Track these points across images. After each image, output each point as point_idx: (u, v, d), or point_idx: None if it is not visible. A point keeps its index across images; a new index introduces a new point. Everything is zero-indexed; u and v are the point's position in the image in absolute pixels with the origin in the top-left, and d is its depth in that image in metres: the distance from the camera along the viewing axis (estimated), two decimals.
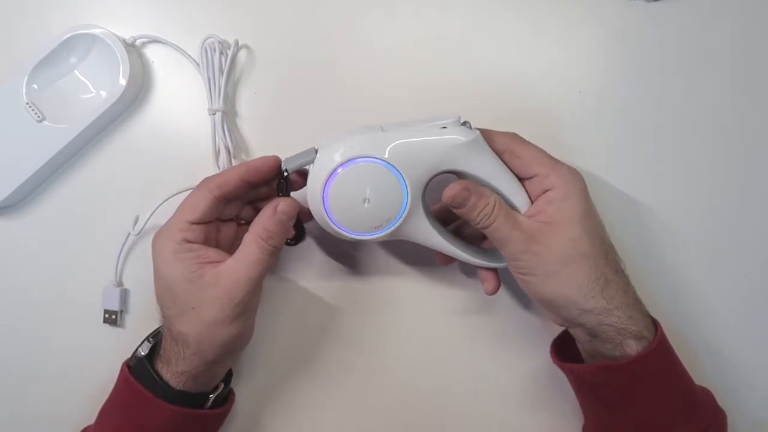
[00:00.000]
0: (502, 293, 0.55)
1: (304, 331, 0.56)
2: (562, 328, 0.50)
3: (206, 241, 0.48)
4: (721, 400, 0.49)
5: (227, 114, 0.56)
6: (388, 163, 0.45)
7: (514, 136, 0.48)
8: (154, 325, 0.56)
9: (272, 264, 0.47)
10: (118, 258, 0.56)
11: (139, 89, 0.57)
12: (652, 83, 0.55)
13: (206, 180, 0.48)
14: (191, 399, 0.49)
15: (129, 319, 0.57)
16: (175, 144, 0.57)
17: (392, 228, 0.47)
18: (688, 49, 0.55)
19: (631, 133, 0.55)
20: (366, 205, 0.46)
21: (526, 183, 0.47)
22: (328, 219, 0.47)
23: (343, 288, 0.56)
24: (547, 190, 0.46)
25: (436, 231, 0.48)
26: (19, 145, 0.55)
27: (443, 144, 0.45)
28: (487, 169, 0.46)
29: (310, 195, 0.47)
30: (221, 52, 0.55)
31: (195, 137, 0.56)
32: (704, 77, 0.55)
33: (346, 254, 0.56)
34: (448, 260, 0.51)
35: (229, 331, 0.46)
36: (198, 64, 0.55)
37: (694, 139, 0.55)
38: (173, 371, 0.48)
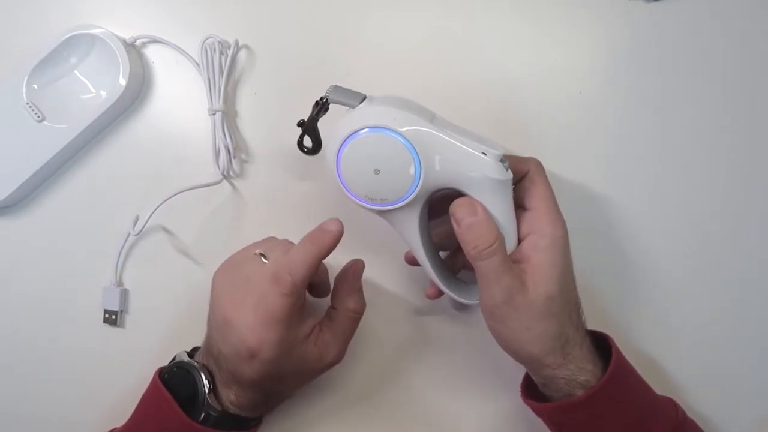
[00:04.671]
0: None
1: None
2: None
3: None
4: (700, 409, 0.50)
5: (227, 114, 0.56)
6: (416, 151, 0.44)
7: (539, 164, 0.48)
8: (153, 326, 0.57)
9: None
10: (118, 258, 0.56)
11: (139, 89, 0.57)
12: (652, 83, 0.55)
13: (294, 278, 0.45)
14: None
15: (129, 319, 0.57)
16: (175, 144, 0.57)
17: (386, 208, 0.47)
18: (688, 49, 0.55)
19: (630, 133, 0.55)
20: (375, 175, 0.45)
21: (522, 213, 0.47)
22: (335, 166, 0.46)
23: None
24: (532, 233, 0.46)
25: (419, 236, 0.48)
26: (19, 145, 0.55)
27: (474, 168, 0.44)
28: (498, 209, 0.45)
29: (333, 134, 0.46)
30: (221, 52, 0.55)
31: (195, 137, 0.56)
32: (704, 77, 0.55)
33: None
34: (416, 263, 0.51)
35: None
36: (198, 64, 0.55)
37: (694, 139, 0.55)
38: (246, 408, 0.49)
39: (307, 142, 0.49)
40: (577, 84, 0.55)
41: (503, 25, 0.56)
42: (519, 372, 0.50)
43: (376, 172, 0.45)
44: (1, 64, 0.56)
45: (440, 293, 0.52)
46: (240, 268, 0.48)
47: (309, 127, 0.48)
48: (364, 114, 0.45)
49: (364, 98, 0.46)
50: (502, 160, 0.45)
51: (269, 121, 0.57)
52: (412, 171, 0.45)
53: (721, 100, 0.55)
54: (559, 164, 0.55)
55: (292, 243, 0.50)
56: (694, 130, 0.55)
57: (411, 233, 0.48)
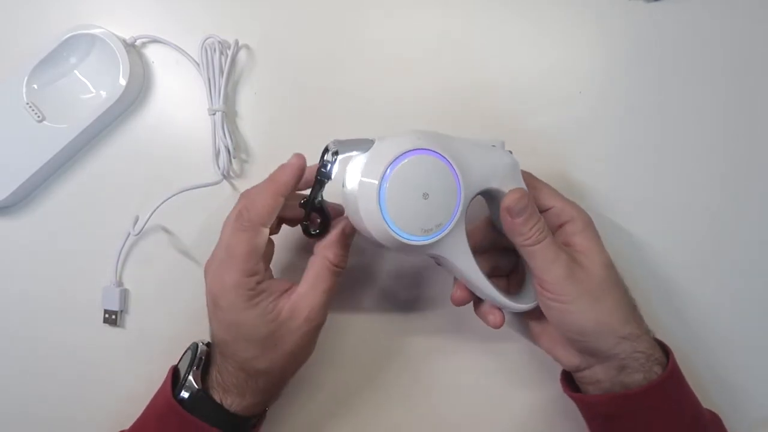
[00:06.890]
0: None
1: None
2: None
3: (266, 268, 0.47)
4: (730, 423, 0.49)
5: (227, 114, 0.56)
6: (450, 163, 0.43)
7: (531, 174, 0.49)
8: (153, 326, 0.56)
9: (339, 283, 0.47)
10: (118, 258, 0.56)
11: (139, 89, 0.57)
12: (652, 83, 0.55)
13: (251, 213, 0.45)
14: (247, 423, 0.48)
15: (129, 319, 0.57)
16: (175, 144, 0.57)
17: (444, 232, 0.43)
18: (688, 49, 0.55)
19: (630, 133, 0.55)
20: (425, 200, 0.42)
21: (543, 214, 0.47)
22: (380, 216, 0.42)
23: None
24: (564, 223, 0.47)
25: (471, 253, 0.46)
26: (19, 145, 0.55)
27: (496, 160, 0.46)
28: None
29: (362, 189, 0.42)
30: (221, 52, 0.55)
31: (195, 137, 0.56)
32: (704, 77, 0.55)
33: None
34: (465, 297, 0.49)
35: (309, 352, 0.47)
36: (198, 64, 0.55)
37: (694, 139, 0.55)
38: (246, 403, 0.46)
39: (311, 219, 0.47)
40: (577, 84, 0.55)
41: (503, 25, 0.56)
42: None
43: (425, 196, 0.42)
44: (1, 64, 0.56)
45: (467, 299, 0.49)
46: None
47: (313, 201, 0.45)
48: (388, 147, 0.43)
49: (373, 140, 0.44)
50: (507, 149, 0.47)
51: (269, 121, 0.57)
52: (453, 182, 0.43)
53: (721, 100, 0.55)
54: (559, 164, 0.55)
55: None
56: (694, 130, 0.55)
57: (464, 256, 0.46)
